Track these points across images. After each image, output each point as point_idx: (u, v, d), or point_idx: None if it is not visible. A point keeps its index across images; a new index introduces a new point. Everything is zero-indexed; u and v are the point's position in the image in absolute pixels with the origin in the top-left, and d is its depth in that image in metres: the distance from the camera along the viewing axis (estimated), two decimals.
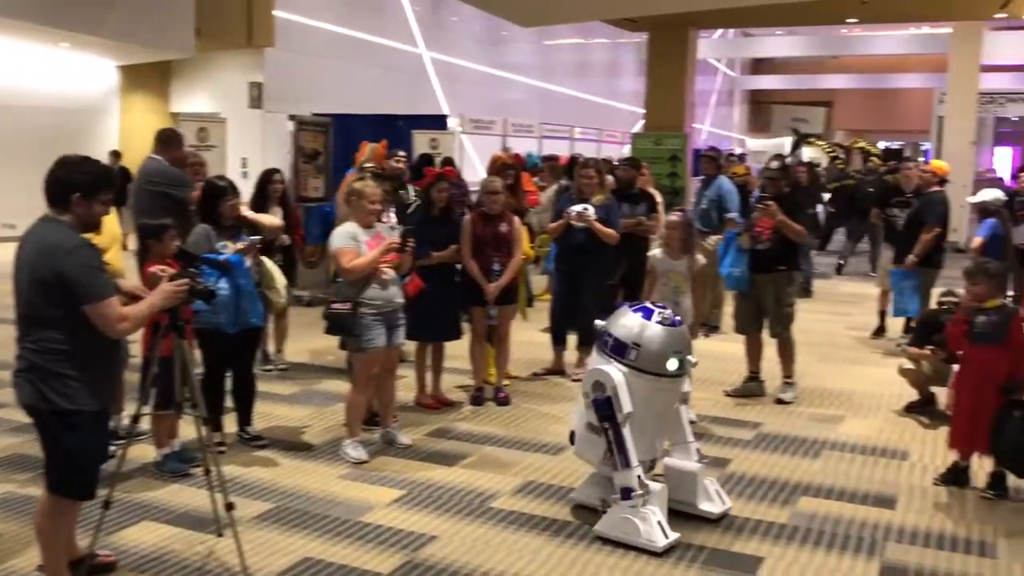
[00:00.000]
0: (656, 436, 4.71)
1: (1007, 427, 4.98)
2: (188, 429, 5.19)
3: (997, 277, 5.22)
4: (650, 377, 4.45)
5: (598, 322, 4.76)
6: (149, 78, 13.80)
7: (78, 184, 3.58)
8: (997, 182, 17.46)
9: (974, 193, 10.63)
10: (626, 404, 4.39)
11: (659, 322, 4.52)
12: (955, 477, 5.31)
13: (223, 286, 5.27)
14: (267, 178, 7.55)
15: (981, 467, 5.32)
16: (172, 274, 4.05)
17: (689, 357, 4.55)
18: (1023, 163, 12.26)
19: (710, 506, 4.78)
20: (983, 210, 8.24)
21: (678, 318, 4.68)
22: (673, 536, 4.43)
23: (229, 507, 4.10)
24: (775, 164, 7.13)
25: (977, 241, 8.82)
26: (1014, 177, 12.54)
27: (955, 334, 5.25)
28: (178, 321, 4.14)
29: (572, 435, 4.78)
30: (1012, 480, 5.18)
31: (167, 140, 7.09)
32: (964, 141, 18.41)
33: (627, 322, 4.55)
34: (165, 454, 5.31)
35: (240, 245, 5.46)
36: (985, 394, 5.07)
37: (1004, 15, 13.86)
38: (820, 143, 22.30)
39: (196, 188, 7.02)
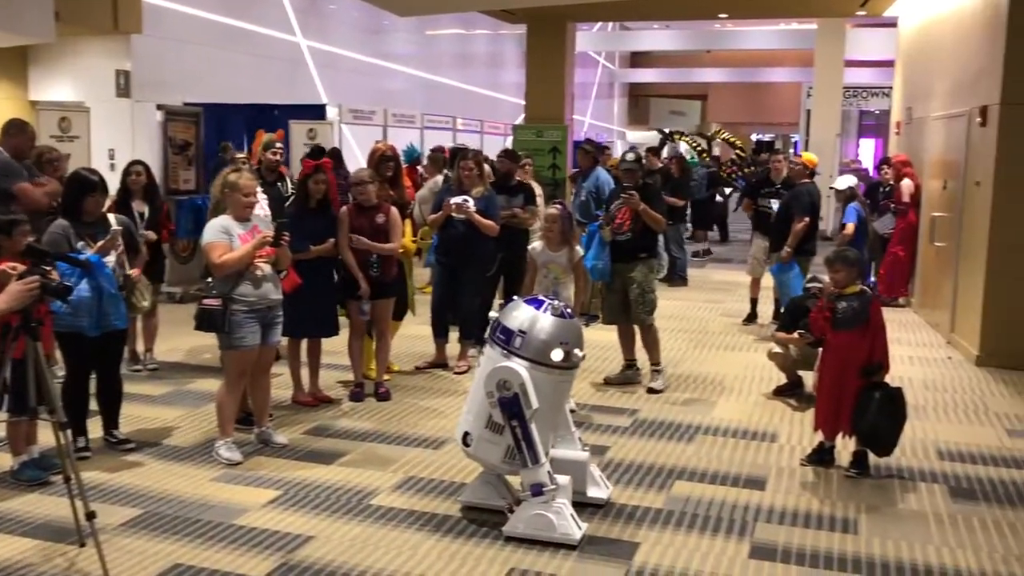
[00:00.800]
0: (552, 430, 4.71)
1: (868, 408, 5.21)
2: (48, 435, 4.92)
3: (856, 264, 5.44)
4: (546, 369, 4.42)
5: (492, 314, 4.74)
6: (5, 64, 13.06)
7: None
8: (862, 172, 18.34)
9: None
10: (534, 400, 4.35)
11: (549, 312, 4.52)
12: (820, 457, 5.54)
13: (84, 288, 5.04)
14: (125, 170, 7.25)
15: (845, 447, 5.56)
16: (21, 272, 3.83)
17: (577, 350, 4.54)
18: (884, 155, 12.84)
19: (598, 492, 4.86)
20: (846, 196, 8.63)
21: (570, 310, 4.67)
22: (584, 526, 4.46)
23: (90, 516, 3.91)
24: (631, 156, 7.28)
25: (850, 227, 9.19)
26: (877, 169, 13.18)
27: (818, 320, 5.46)
28: (31, 322, 3.92)
29: (466, 437, 4.62)
30: (873, 458, 5.43)
31: (6, 129, 6.85)
32: (830, 133, 19.21)
33: (518, 313, 4.54)
34: (22, 462, 5.04)
35: (101, 243, 5.22)
36: (847, 377, 5.30)
37: (864, 13, 14.48)
38: (686, 138, 22.92)
39: (48, 183, 6.69)
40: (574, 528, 4.39)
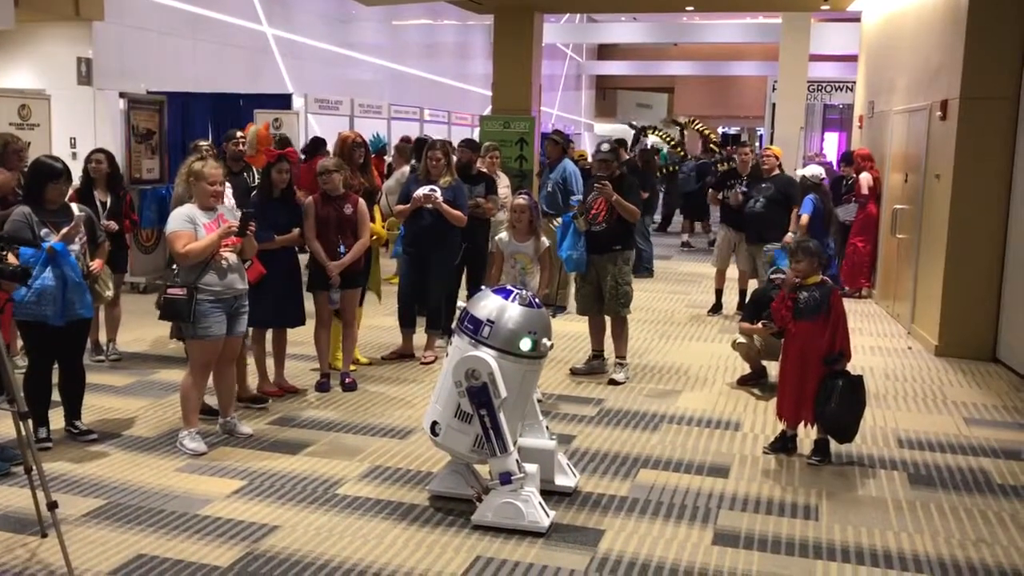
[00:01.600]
0: (520, 419, 4.73)
1: (830, 396, 5.29)
2: (9, 426, 4.87)
3: (817, 255, 5.52)
4: (514, 359, 4.44)
5: (461, 303, 4.74)
6: None
7: None
8: (826, 165, 18.54)
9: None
10: (502, 389, 4.36)
11: (517, 302, 4.53)
12: (783, 445, 5.61)
13: (48, 276, 4.98)
14: (87, 159, 7.16)
15: (807, 435, 5.64)
16: None
17: (545, 339, 4.55)
18: (847, 151, 13.01)
19: (566, 480, 4.89)
20: (805, 186, 8.76)
21: (537, 300, 4.68)
22: (551, 514, 4.49)
23: (51, 506, 3.87)
24: (606, 147, 7.29)
25: (804, 219, 9.33)
26: (839, 164, 13.35)
27: (780, 310, 5.53)
28: None
29: (434, 426, 4.61)
30: (834, 445, 5.52)
31: None
32: (795, 127, 19.38)
33: (487, 302, 4.55)
34: None
35: (64, 230, 5.15)
36: (808, 366, 5.37)
37: (828, 7, 14.61)
38: (659, 132, 22.99)
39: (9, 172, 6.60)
40: (542, 516, 4.41)
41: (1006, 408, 6.77)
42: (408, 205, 7.32)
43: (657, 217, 18.13)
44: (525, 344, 4.47)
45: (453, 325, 4.73)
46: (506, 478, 4.41)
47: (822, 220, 8.86)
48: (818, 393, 5.33)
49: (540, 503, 4.45)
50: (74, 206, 5.47)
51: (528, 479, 4.45)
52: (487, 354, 4.41)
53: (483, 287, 4.90)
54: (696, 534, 4.46)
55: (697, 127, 21.41)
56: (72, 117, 11.50)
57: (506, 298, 4.55)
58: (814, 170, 8.94)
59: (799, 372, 5.43)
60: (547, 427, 4.98)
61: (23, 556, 4.06)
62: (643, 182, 12.95)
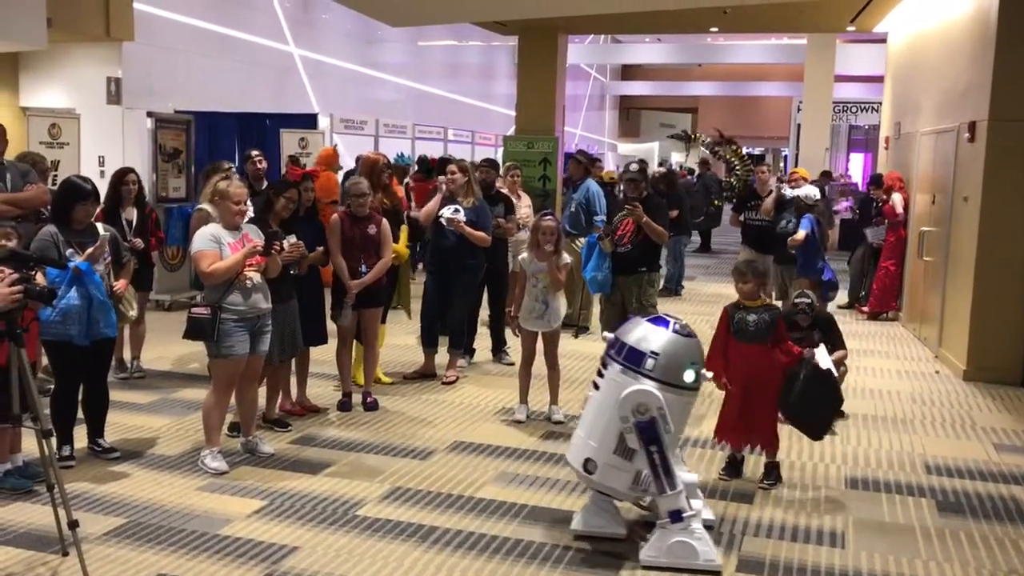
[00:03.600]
0: (673, 452, 4.51)
1: (792, 388, 5.17)
2: (33, 444, 4.88)
3: (764, 277, 5.48)
4: (677, 391, 4.29)
5: (607, 334, 4.61)
6: None
7: None
8: (852, 187, 18.41)
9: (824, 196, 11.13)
10: (671, 424, 4.24)
11: (676, 331, 4.37)
12: (734, 469, 5.52)
13: (73, 296, 5.01)
14: (119, 178, 7.20)
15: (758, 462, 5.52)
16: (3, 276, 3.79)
17: (703, 370, 4.41)
18: (875, 173, 12.95)
19: (707, 514, 4.64)
20: (800, 207, 8.67)
21: (691, 329, 4.50)
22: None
23: (73, 525, 3.88)
24: (635, 167, 7.25)
25: (801, 234, 9.20)
26: (867, 186, 13.25)
27: (721, 331, 5.42)
28: (15, 328, 3.88)
29: (587, 463, 4.38)
30: (863, 471, 5.42)
31: None
32: (819, 148, 19.30)
33: (646, 333, 4.37)
34: (6, 470, 4.99)
35: (90, 250, 5.19)
36: (754, 389, 5.27)
37: (853, 28, 14.56)
38: (733, 151, 22.99)
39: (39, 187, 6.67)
40: (715, 554, 4.28)
41: None
42: (431, 205, 7.37)
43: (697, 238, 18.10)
44: (689, 376, 4.31)
45: (602, 355, 4.53)
46: (676, 516, 4.25)
47: (817, 241, 8.78)
48: (783, 385, 5.21)
49: (709, 539, 4.30)
50: (100, 226, 5.51)
51: (698, 516, 4.31)
52: (654, 387, 4.25)
53: (631, 316, 4.68)
54: (720, 561, 4.39)
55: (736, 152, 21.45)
56: (101, 136, 11.64)
57: (667, 328, 4.39)
58: (808, 191, 8.88)
59: (743, 395, 5.32)
60: (683, 459, 4.84)
61: (44, 574, 4.05)
62: (669, 202, 12.98)
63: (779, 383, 5.24)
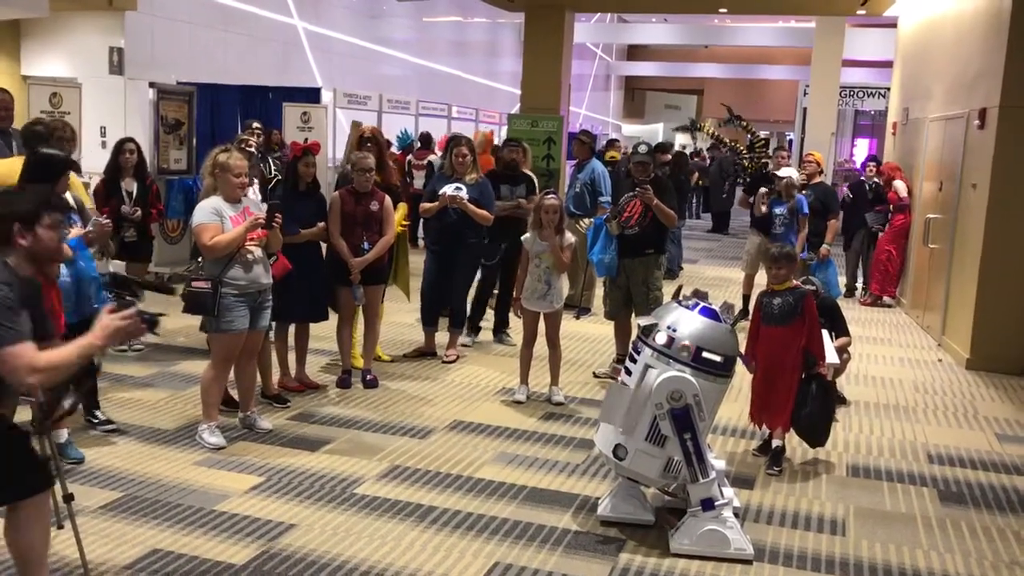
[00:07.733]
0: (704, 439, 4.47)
1: (805, 400, 5.26)
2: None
3: (794, 260, 5.52)
4: (711, 377, 4.22)
5: (643, 320, 4.49)
6: None
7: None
8: (855, 172, 18.31)
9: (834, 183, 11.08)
10: (706, 411, 4.19)
11: (712, 316, 4.30)
12: (768, 449, 5.54)
13: (63, 272, 4.92)
14: (119, 148, 7.14)
15: (789, 441, 5.54)
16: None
17: (735, 355, 4.36)
18: (872, 154, 12.86)
19: (737, 501, 4.60)
20: (790, 187, 8.65)
21: (725, 314, 4.41)
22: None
23: (68, 498, 3.83)
24: (643, 149, 7.17)
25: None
26: (863, 166, 13.17)
27: (755, 317, 5.46)
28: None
29: (617, 449, 4.30)
30: (865, 460, 5.39)
31: None
32: (826, 132, 19.17)
33: (679, 317, 4.28)
34: None
35: (86, 229, 5.08)
36: (775, 372, 5.31)
37: (864, 12, 14.42)
38: (742, 126, 22.92)
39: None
40: (747, 543, 4.23)
41: None
42: (435, 204, 7.26)
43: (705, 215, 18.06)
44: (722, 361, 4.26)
45: (636, 339, 4.44)
46: (709, 504, 4.21)
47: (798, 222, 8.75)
48: (796, 397, 5.27)
49: (740, 528, 4.26)
50: (68, 195, 5.29)
51: (730, 505, 4.28)
52: (689, 374, 4.17)
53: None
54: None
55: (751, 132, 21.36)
56: (103, 106, 11.54)
57: (704, 314, 4.29)
58: (787, 172, 8.86)
59: (766, 377, 5.36)
60: (709, 445, 4.81)
61: None
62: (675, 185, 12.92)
63: (798, 365, 5.26)
